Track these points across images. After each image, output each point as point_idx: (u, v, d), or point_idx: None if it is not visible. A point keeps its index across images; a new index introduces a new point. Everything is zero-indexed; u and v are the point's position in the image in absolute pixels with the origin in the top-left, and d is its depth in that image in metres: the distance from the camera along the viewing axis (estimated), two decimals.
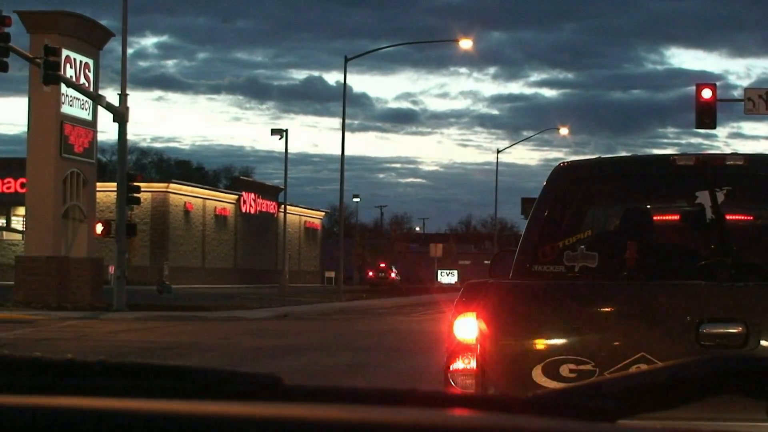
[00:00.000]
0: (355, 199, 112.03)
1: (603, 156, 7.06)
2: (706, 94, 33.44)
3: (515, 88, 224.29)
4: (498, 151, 75.27)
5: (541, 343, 5.41)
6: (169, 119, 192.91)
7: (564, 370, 5.28)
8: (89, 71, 39.45)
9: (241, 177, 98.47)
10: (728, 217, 6.04)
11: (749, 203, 6.65)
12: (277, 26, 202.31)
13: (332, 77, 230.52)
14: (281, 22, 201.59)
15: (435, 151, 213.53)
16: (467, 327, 5.47)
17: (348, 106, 49.76)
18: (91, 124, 40.41)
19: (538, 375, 5.30)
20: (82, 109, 39.77)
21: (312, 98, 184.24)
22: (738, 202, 6.36)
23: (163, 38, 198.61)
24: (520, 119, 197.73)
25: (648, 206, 6.84)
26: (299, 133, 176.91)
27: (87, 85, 38.69)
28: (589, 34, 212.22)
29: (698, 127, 33.81)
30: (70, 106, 39.06)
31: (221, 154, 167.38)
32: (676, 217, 6.67)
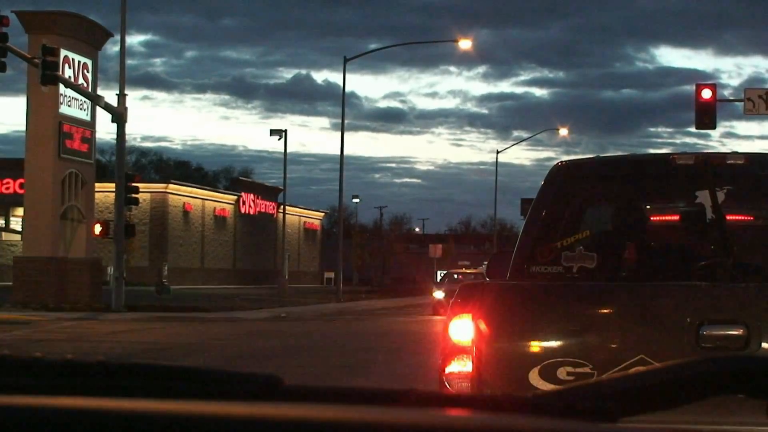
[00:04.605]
0: (355, 200, 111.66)
1: (601, 155, 7.02)
2: (706, 94, 33.43)
3: (505, 87, 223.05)
4: (498, 152, 75.14)
5: (538, 345, 5.31)
6: (157, 118, 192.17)
7: (561, 372, 5.19)
8: (87, 71, 39.42)
9: (241, 178, 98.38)
10: (728, 217, 6.00)
11: (749, 203, 6.61)
12: (263, 24, 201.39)
13: (320, 76, 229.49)
14: (267, 20, 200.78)
15: (428, 150, 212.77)
16: (463, 328, 5.37)
17: (339, 106, 49.71)
18: (90, 125, 40.39)
19: (535, 378, 5.21)
20: (81, 109, 39.74)
21: (300, 97, 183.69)
22: (738, 202, 6.32)
23: (148, 36, 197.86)
24: (510, 118, 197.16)
25: (647, 206, 6.80)
26: (288, 132, 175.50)
27: (85, 85, 38.67)
28: (577, 33, 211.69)
29: (698, 127, 33.80)
30: (69, 106, 39.03)
31: (214, 153, 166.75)
32: (676, 217, 6.62)
